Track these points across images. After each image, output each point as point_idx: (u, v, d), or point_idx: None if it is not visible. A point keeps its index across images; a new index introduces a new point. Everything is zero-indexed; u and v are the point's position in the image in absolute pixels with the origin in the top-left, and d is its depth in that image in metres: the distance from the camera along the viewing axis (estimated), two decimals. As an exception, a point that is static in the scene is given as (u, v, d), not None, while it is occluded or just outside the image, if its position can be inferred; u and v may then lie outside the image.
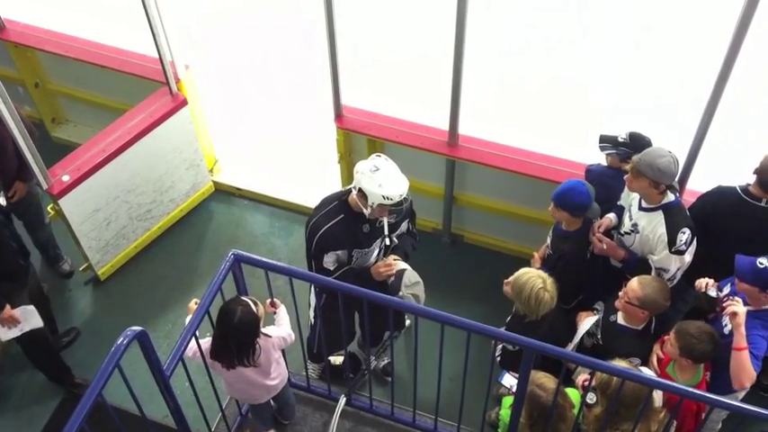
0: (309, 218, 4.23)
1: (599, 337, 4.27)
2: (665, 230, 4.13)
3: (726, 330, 3.91)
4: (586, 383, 3.76)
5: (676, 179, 4.18)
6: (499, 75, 5.62)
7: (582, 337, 4.35)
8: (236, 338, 3.76)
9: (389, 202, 3.94)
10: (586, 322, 4.32)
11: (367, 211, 4.02)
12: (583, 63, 5.93)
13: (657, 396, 3.79)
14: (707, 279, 4.04)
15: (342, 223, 4.12)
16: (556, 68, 5.85)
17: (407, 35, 6.19)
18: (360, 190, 3.98)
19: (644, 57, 5.83)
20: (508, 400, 4.06)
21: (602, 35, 6.09)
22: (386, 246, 4.30)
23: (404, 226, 4.42)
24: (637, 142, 4.28)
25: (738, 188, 4.23)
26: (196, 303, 3.87)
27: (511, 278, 4.19)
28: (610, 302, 4.29)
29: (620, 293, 4.11)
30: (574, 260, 4.42)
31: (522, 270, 4.21)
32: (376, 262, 4.34)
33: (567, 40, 6.04)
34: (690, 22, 5.96)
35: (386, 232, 4.16)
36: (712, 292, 3.99)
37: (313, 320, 4.64)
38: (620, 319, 4.20)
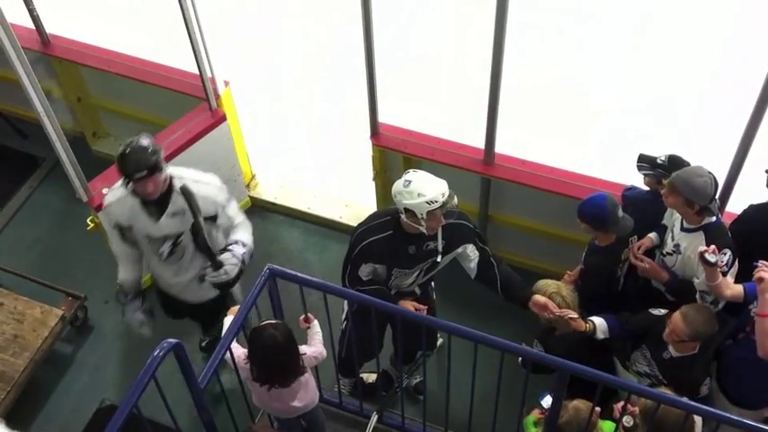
0: (357, 226, 4.21)
1: (660, 377, 4.16)
2: None
3: None
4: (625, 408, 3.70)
5: (717, 200, 4.12)
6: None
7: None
8: (280, 360, 3.77)
9: (436, 205, 3.87)
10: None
11: (423, 227, 3.94)
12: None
13: (698, 427, 3.69)
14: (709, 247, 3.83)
15: (388, 240, 4.08)
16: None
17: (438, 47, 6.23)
18: (406, 211, 3.93)
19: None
20: (530, 419, 4.01)
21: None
22: (432, 265, 4.23)
23: (471, 254, 4.22)
24: (676, 165, 4.24)
25: None
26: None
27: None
28: (652, 342, 4.15)
29: (667, 331, 3.99)
30: (599, 274, 4.39)
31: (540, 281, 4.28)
32: (413, 283, 4.33)
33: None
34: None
35: (439, 249, 4.11)
36: (711, 258, 3.77)
37: (343, 326, 4.63)
38: (673, 352, 4.07)
